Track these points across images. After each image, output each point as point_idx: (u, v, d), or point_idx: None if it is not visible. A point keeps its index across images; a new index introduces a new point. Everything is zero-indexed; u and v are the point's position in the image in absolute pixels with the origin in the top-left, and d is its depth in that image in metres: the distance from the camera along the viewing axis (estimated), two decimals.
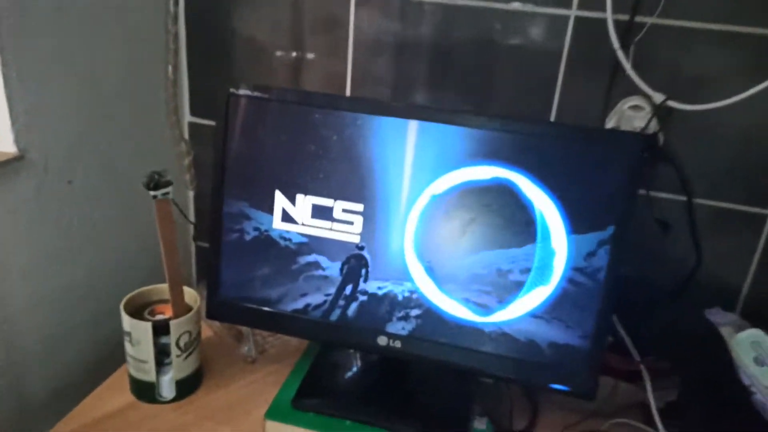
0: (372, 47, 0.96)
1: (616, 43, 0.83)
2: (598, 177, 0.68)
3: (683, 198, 0.91)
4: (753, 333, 0.83)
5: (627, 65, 0.84)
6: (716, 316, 0.90)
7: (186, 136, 1.04)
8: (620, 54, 0.84)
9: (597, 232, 0.69)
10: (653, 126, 0.84)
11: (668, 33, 0.83)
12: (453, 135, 0.70)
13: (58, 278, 0.84)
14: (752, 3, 0.80)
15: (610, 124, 0.89)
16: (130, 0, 0.87)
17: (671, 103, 0.82)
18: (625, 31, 0.84)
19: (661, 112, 0.84)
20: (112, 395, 0.80)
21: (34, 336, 0.82)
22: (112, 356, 0.87)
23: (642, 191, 0.90)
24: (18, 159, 0.75)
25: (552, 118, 0.93)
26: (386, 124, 0.71)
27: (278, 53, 1.00)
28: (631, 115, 0.86)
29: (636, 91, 0.86)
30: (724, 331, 0.85)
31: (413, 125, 0.71)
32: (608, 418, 0.81)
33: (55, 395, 0.86)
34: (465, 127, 0.70)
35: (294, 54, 0.99)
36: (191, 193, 1.07)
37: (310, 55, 0.99)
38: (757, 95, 0.77)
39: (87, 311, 0.89)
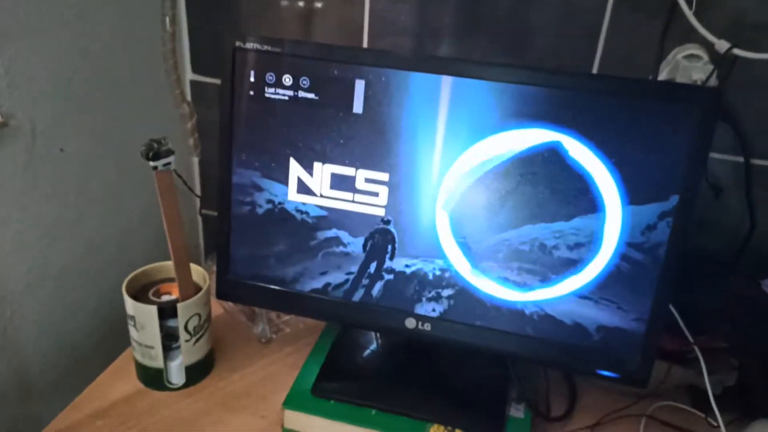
0: None
1: None
2: (661, 139, 0.59)
3: (739, 159, 0.82)
4: None
5: (685, 7, 0.73)
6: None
7: (188, 96, 0.95)
8: None
9: (658, 202, 0.60)
10: (713, 79, 0.74)
11: None
12: (492, 92, 0.61)
13: (55, 255, 0.77)
14: None
15: (662, 75, 0.79)
16: None
17: (737, 51, 0.72)
18: None
19: (723, 62, 0.74)
20: (118, 382, 0.74)
21: (33, 317, 0.76)
22: (117, 337, 0.81)
23: None
24: (1, 126, 0.66)
25: (594, 69, 0.83)
26: (416, 80, 0.62)
27: (287, 1, 0.90)
28: (687, 65, 0.76)
29: (693, 38, 0.76)
30: None
31: (446, 81, 0.61)
32: (654, 401, 0.75)
33: (57, 380, 0.80)
34: (506, 83, 0.60)
35: (305, 3, 0.89)
36: (195, 160, 0.98)
37: (322, 3, 0.89)
38: None
39: (87, 289, 0.82)
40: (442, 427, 0.67)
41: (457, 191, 0.64)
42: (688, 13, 0.73)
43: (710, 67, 0.74)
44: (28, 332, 0.75)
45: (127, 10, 0.80)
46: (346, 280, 0.69)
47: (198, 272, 0.74)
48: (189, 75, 0.97)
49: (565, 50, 0.83)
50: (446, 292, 0.67)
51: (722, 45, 0.72)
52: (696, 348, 0.70)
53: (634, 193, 0.60)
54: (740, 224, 0.85)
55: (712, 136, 0.58)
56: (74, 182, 0.78)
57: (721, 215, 0.86)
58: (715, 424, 0.70)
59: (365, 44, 0.90)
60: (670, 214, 0.60)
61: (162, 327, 0.70)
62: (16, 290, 0.73)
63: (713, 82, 0.75)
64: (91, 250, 0.82)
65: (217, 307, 0.85)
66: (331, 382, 0.72)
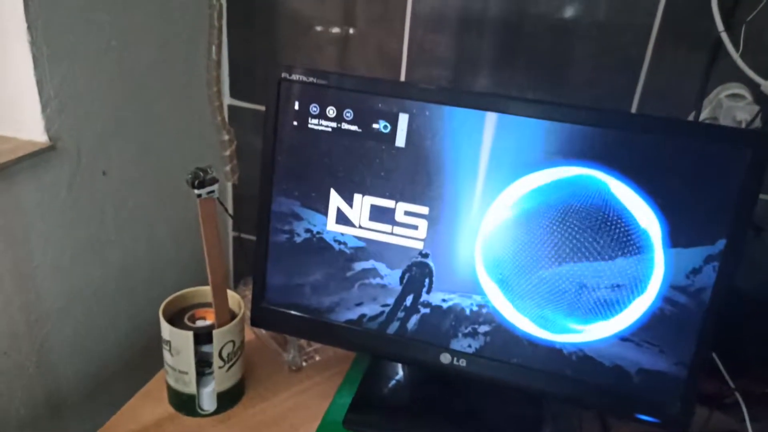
0: (432, 21, 0.86)
1: (719, 20, 0.72)
2: (707, 182, 0.58)
3: None
4: None
5: (731, 47, 0.73)
6: None
7: (225, 122, 0.96)
8: (724, 35, 0.72)
9: (704, 246, 0.59)
10: (758, 120, 0.74)
11: None
12: (535, 129, 0.61)
13: (92, 275, 0.78)
14: None
15: (704, 113, 0.78)
16: None
17: None
18: (731, 7, 0.73)
19: (753, 101, 0.73)
20: (150, 405, 0.74)
21: (68, 336, 0.77)
22: (149, 360, 0.81)
23: None
24: (49, 149, 0.68)
25: (635, 103, 0.82)
26: (459, 115, 0.62)
27: (325, 28, 0.91)
28: (730, 105, 0.75)
29: (736, 77, 0.75)
30: None
31: (491, 118, 0.61)
32: None
33: (90, 399, 0.80)
34: (550, 121, 0.60)
35: (342, 29, 0.90)
36: (229, 184, 0.99)
37: (360, 31, 0.90)
38: None
39: (122, 310, 0.83)
40: None
41: (497, 227, 0.64)
42: (734, 53, 0.72)
43: (755, 107, 0.73)
44: (62, 352, 0.76)
45: (172, 36, 0.81)
46: (382, 312, 0.69)
47: (234, 298, 0.74)
48: (227, 99, 0.98)
49: (604, 84, 0.83)
50: (483, 329, 0.67)
51: (767, 85, 0.72)
52: (736, 392, 0.69)
53: (679, 236, 0.60)
54: None
55: (762, 181, 0.57)
56: (113, 204, 0.79)
57: (763, 255, 0.84)
58: None
59: (403, 73, 0.90)
60: (716, 258, 0.59)
61: (196, 353, 0.70)
62: (52, 309, 0.74)
63: (758, 123, 0.74)
64: (126, 272, 0.83)
65: (249, 333, 0.85)
66: (363, 415, 0.72)
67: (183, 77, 0.85)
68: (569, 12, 0.81)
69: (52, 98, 0.67)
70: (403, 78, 0.90)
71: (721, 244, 0.59)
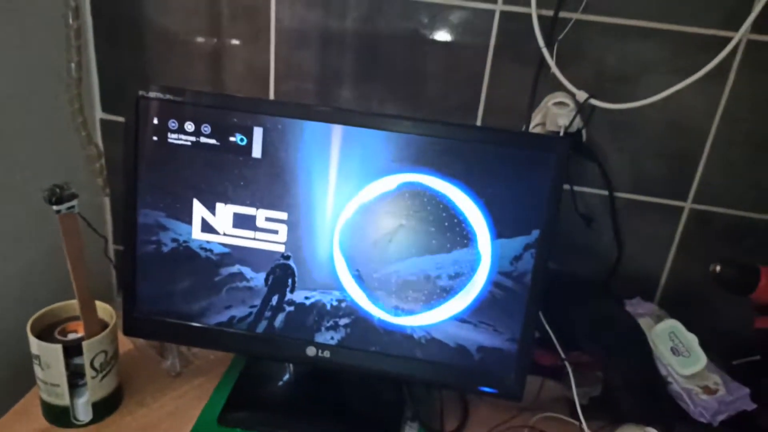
0: (296, 38, 0.92)
1: (540, 39, 0.83)
2: (521, 181, 0.67)
3: (606, 192, 0.93)
4: (670, 324, 0.86)
5: (551, 62, 0.84)
6: (636, 306, 0.93)
7: (98, 137, 0.97)
8: (545, 51, 0.83)
9: (523, 236, 0.69)
10: (577, 123, 0.85)
11: (592, 30, 0.84)
12: (378, 140, 0.68)
13: None
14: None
15: (535, 120, 0.89)
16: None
17: (594, 102, 0.83)
18: (550, 27, 0.83)
19: (584, 109, 0.85)
20: (23, 422, 0.75)
21: None
22: (22, 378, 0.81)
23: (566, 186, 0.91)
24: None
25: (479, 113, 0.92)
26: (309, 128, 0.68)
27: (195, 42, 0.94)
28: (556, 112, 0.86)
29: (561, 87, 0.86)
30: (644, 322, 0.88)
31: (338, 130, 0.68)
32: (536, 412, 0.83)
33: None
34: (391, 132, 0.68)
35: (213, 43, 0.94)
36: (107, 199, 1.00)
37: (230, 45, 0.94)
38: (673, 94, 0.79)
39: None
40: None
41: (350, 229, 0.70)
42: (554, 67, 0.83)
43: (573, 113, 0.84)
44: None
45: (31, 58, 0.82)
46: (250, 313, 0.74)
47: (105, 310, 0.76)
48: (99, 114, 0.99)
49: (453, 97, 0.92)
50: (343, 321, 0.73)
51: (582, 95, 0.83)
52: (566, 363, 0.79)
53: (502, 228, 0.69)
54: (611, 250, 0.96)
55: (563, 180, 0.68)
56: None
57: (595, 242, 0.96)
58: (587, 431, 0.79)
59: (271, 87, 0.95)
60: (533, 245, 0.69)
61: (68, 365, 0.71)
62: None
63: (576, 126, 0.86)
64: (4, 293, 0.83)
65: (127, 343, 0.87)
66: (238, 412, 0.76)
67: (47, 98, 0.85)
68: (419, 31, 0.89)
69: None
70: (272, 92, 0.95)
71: (536, 233, 0.68)
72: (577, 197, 0.93)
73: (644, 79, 0.85)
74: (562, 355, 0.80)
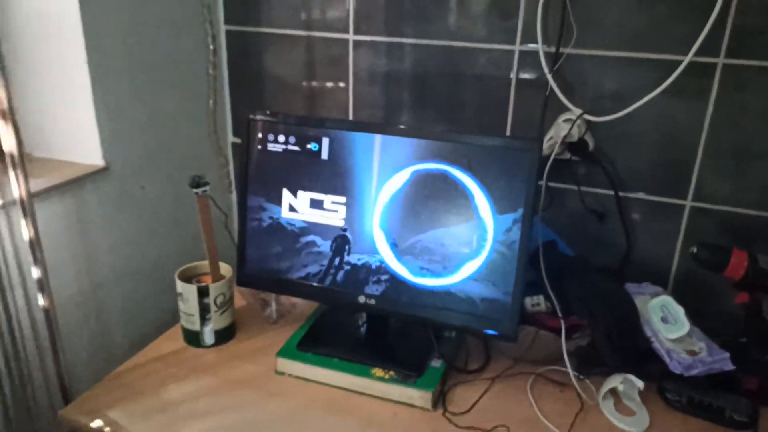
0: (367, 78, 1.23)
1: (546, 69, 1.07)
2: (509, 171, 0.92)
3: (611, 192, 1.12)
4: (663, 299, 1.04)
5: (554, 87, 1.07)
6: (643, 288, 1.10)
7: (228, 151, 1.35)
8: (549, 78, 1.07)
9: (511, 213, 0.92)
10: (576, 133, 1.07)
11: (586, 60, 1.06)
12: (406, 144, 0.96)
13: (134, 257, 1.15)
14: (646, 33, 1.02)
15: (549, 134, 1.12)
16: (182, 51, 1.18)
17: (586, 116, 1.04)
18: (554, 60, 1.07)
19: (582, 122, 1.07)
20: (170, 342, 1.10)
21: (118, 301, 1.13)
22: (173, 317, 1.16)
23: (574, 186, 1.13)
24: (105, 169, 1.06)
25: (508, 130, 1.16)
26: (359, 138, 0.98)
27: (298, 84, 1.29)
28: (564, 126, 1.09)
29: (566, 107, 1.09)
30: (644, 299, 1.06)
31: (378, 138, 0.97)
32: (544, 365, 1.03)
33: (132, 346, 1.16)
34: (414, 138, 0.95)
35: (309, 85, 1.28)
36: (233, 195, 1.37)
37: (321, 86, 1.27)
38: (665, 111, 0.99)
39: (154, 282, 1.20)
40: (381, 370, 0.99)
41: (385, 208, 0.98)
42: (555, 89, 1.06)
43: (576, 127, 1.06)
44: (115, 309, 1.13)
45: (186, 94, 1.21)
46: (320, 271, 1.04)
47: (225, 267, 1.10)
48: (230, 138, 1.37)
49: (485, 118, 1.17)
50: (383, 278, 1.00)
51: (576, 112, 1.05)
52: (562, 321, 1.00)
53: (498, 207, 0.93)
54: (622, 242, 1.15)
55: (537, 170, 0.91)
56: (148, 208, 1.17)
57: (607, 235, 1.15)
58: (581, 377, 0.99)
59: (351, 114, 1.27)
60: (518, 220, 0.92)
61: (199, 303, 1.05)
62: (108, 281, 1.11)
63: (577, 136, 1.07)
64: (158, 254, 1.20)
65: (240, 300, 1.20)
66: (310, 343, 1.05)
67: (196, 122, 1.24)
68: (458, 69, 1.16)
69: (106, 135, 1.05)
70: (351, 118, 1.27)
71: (520, 211, 0.92)
72: (591, 196, 1.14)
73: (635, 97, 1.05)
74: (559, 315, 1.01)
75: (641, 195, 1.12)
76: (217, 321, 1.08)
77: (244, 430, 0.90)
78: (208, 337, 1.08)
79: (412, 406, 0.95)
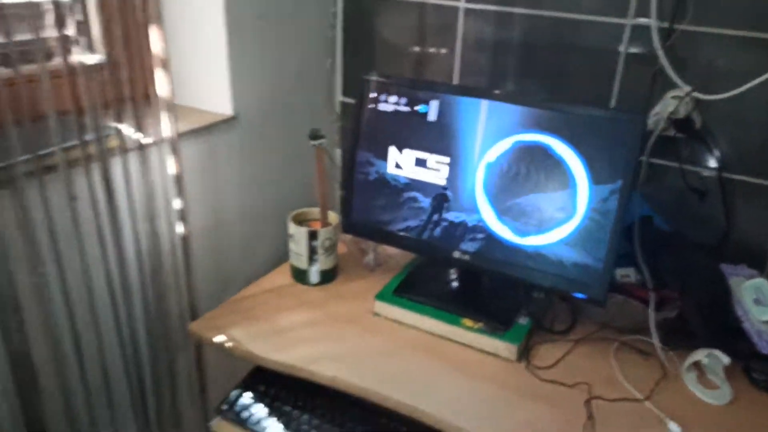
0: (474, 46, 1.28)
1: (657, 45, 1.07)
2: (609, 144, 0.95)
3: (715, 172, 1.12)
4: (758, 281, 1.04)
5: (666, 63, 1.07)
6: (738, 270, 1.11)
7: (337, 109, 1.44)
8: (661, 54, 1.08)
9: (610, 184, 0.96)
10: (684, 110, 1.07)
11: (698, 37, 1.06)
12: (511, 110, 1.01)
13: (254, 199, 1.28)
14: (765, 13, 1.00)
15: (656, 109, 1.12)
16: (305, 13, 1.27)
17: (696, 94, 1.05)
18: (666, 36, 1.07)
19: (690, 99, 1.07)
20: (279, 276, 1.23)
21: (237, 236, 1.27)
22: (281, 255, 1.29)
23: (676, 164, 1.13)
24: (233, 119, 1.18)
25: (612, 104, 1.18)
26: (466, 102, 1.03)
27: (407, 50, 1.35)
28: (671, 102, 1.09)
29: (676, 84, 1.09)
30: (738, 280, 1.06)
31: (484, 104, 1.02)
32: (630, 334, 1.07)
33: (245, 278, 1.29)
34: (519, 105, 1.00)
35: (417, 50, 1.34)
36: (338, 150, 1.47)
37: (429, 51, 1.33)
38: (760, 86, 0.98)
39: (270, 223, 1.33)
40: (471, 321, 1.06)
41: (488, 171, 1.04)
42: (666, 65, 1.07)
43: (684, 103, 1.07)
44: (233, 244, 1.26)
45: (305, 53, 1.30)
46: (419, 225, 1.12)
47: (332, 216, 1.21)
48: (339, 97, 1.46)
49: (591, 90, 1.19)
50: (479, 236, 1.07)
51: (686, 89, 1.06)
52: (651, 292, 1.03)
53: (595, 177, 0.96)
54: (722, 221, 1.15)
55: (640, 145, 0.93)
56: (267, 155, 1.28)
57: (708, 215, 1.16)
58: (666, 349, 1.02)
59: (455, 80, 1.32)
60: (616, 192, 0.95)
61: (309, 245, 1.16)
62: (229, 218, 1.24)
63: (684, 113, 1.08)
64: (275, 197, 1.32)
65: (343, 247, 1.31)
66: (406, 289, 1.14)
67: (312, 79, 1.34)
68: (565, 40, 1.18)
69: (236, 88, 1.17)
70: (456, 83, 1.32)
71: (618, 183, 0.95)
72: (692, 175, 1.14)
73: (748, 77, 1.03)
74: (650, 286, 1.04)
75: (745, 177, 1.11)
76: (323, 262, 1.18)
77: (347, 357, 1.00)
78: (314, 276, 1.20)
79: (497, 356, 1.03)
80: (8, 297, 0.82)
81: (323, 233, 1.16)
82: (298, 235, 1.16)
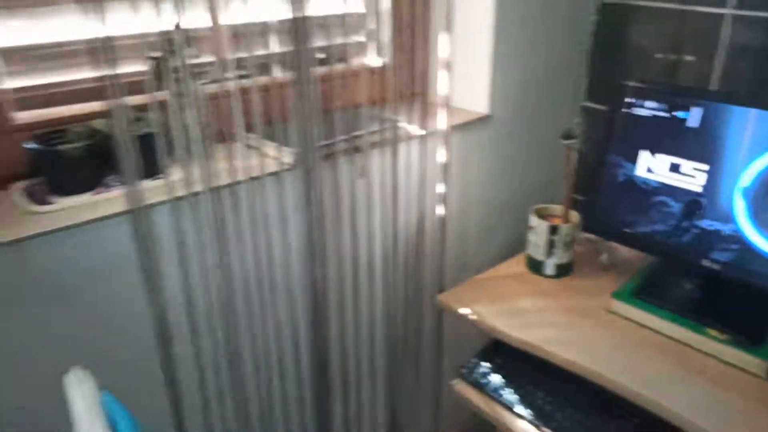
0: (738, 53, 1.24)
1: None
2: None
3: None
4: None
5: None
6: None
7: (580, 113, 1.49)
8: None
9: None
10: None
11: None
12: None
13: (498, 190, 1.39)
14: None
15: None
16: (558, 20, 1.35)
17: None
18: None
19: None
20: (515, 265, 1.32)
21: (476, 225, 1.39)
22: (516, 246, 1.38)
23: None
24: (488, 117, 1.30)
25: None
26: (733, 110, 1.03)
27: (658, 56, 1.35)
28: None
29: None
30: None
31: (753, 112, 1.00)
32: None
33: (481, 263, 1.41)
34: None
35: (666, 57, 1.34)
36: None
37: (679, 58, 1.32)
38: None
39: (507, 214, 1.43)
40: (717, 331, 1.05)
41: (751, 181, 1.02)
42: None
43: None
44: (474, 230, 1.39)
45: (555, 61, 1.38)
46: (667, 230, 1.13)
47: (573, 214, 1.26)
48: (582, 101, 1.50)
49: None
50: (734, 246, 1.05)
51: None
52: None
53: None
54: None
55: None
56: (513, 151, 1.38)
57: None
58: None
59: (715, 88, 1.29)
60: None
61: (548, 238, 1.24)
62: (473, 208, 1.36)
63: None
64: (516, 190, 1.42)
65: (578, 246, 1.35)
66: (647, 292, 1.16)
67: (559, 85, 1.41)
68: None
69: (493, 90, 1.28)
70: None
71: None
72: None
73: None
74: None
75: None
76: (560, 256, 1.25)
77: (583, 345, 1.06)
78: (550, 269, 1.27)
79: (743, 370, 1.01)
80: (319, 249, 1.04)
81: (564, 228, 1.23)
82: (540, 228, 1.24)
